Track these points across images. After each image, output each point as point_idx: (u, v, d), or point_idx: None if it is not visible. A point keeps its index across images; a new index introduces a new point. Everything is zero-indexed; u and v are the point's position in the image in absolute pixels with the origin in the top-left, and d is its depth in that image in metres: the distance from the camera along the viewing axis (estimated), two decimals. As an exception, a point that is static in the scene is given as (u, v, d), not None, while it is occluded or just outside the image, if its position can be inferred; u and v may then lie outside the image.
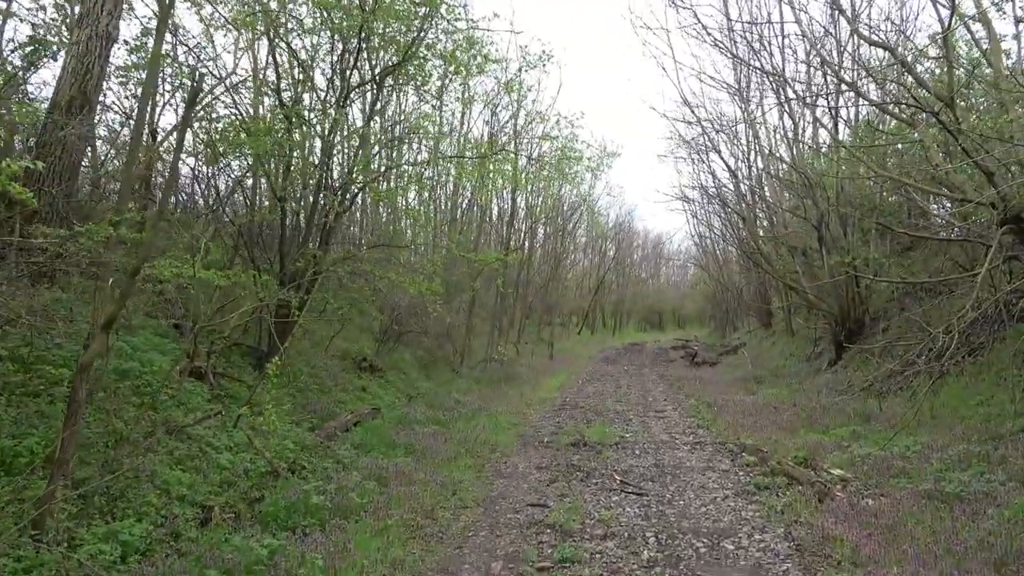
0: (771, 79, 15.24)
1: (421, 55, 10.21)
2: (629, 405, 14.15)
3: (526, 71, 12.56)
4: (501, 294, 21.57)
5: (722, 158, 18.30)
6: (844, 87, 11.71)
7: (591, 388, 17.46)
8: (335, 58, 10.14)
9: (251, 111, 10.29)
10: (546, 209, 30.17)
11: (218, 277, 8.59)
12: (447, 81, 11.03)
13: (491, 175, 11.10)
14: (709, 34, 14.34)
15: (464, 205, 22.58)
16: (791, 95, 14.35)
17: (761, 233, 18.44)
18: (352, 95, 10.60)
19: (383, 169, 10.22)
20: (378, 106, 11.18)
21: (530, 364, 22.95)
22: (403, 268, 12.86)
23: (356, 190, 9.98)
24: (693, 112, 17.14)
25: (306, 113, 10.22)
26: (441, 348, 17.35)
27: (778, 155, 17.02)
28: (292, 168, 10.08)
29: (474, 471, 8.30)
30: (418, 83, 10.70)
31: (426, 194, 19.41)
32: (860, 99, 12.22)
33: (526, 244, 29.57)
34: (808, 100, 14.64)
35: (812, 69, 15.56)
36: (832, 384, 14.28)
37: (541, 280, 32.58)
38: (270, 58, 9.56)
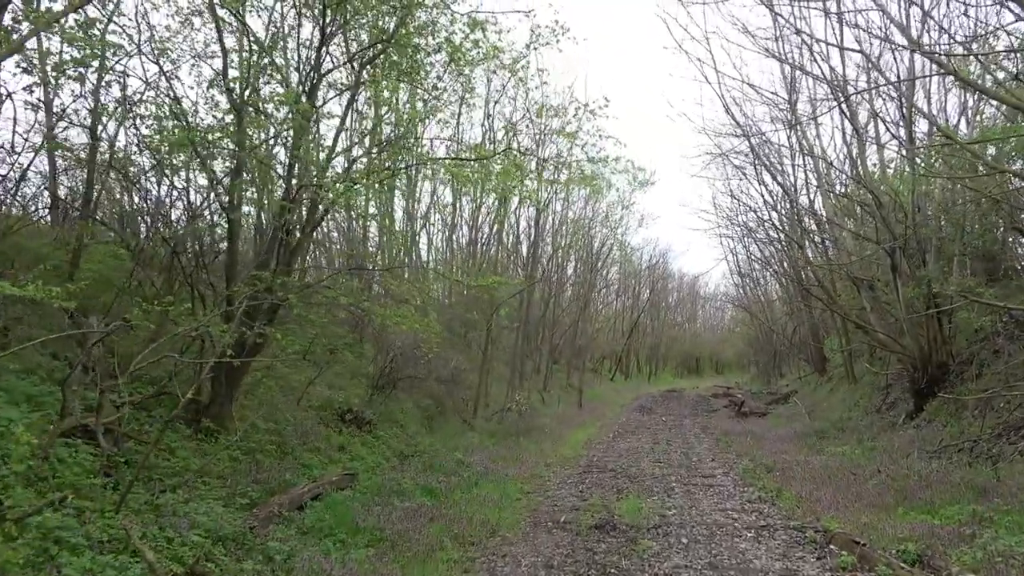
0: (828, 85, 13.03)
1: (411, 39, 8.27)
2: (670, 467, 11.69)
3: (535, 48, 10.48)
4: (523, 334, 19.34)
5: (771, 173, 16.05)
6: (936, 71, 9.43)
7: (624, 444, 14.99)
8: (303, 39, 8.24)
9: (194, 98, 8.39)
10: (575, 244, 28.04)
11: (141, 313, 6.62)
12: (446, 71, 9.01)
13: (494, 182, 9.07)
14: (753, 36, 12.32)
15: (465, 225, 20.49)
16: (853, 94, 12.09)
17: (817, 262, 16.00)
18: (325, 87, 8.67)
19: (363, 173, 8.17)
20: (359, 100, 9.23)
21: (556, 413, 20.55)
22: (390, 300, 10.77)
23: (329, 200, 7.96)
24: (736, 122, 14.96)
25: (267, 106, 8.30)
26: (451, 396, 15.12)
27: (841, 169, 14.67)
28: (248, 170, 8.10)
29: (458, 572, 6.01)
30: (409, 74, 8.72)
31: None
32: (960, 87, 9.97)
33: (554, 278, 27.45)
34: (875, 102, 12.38)
35: (872, 74, 13.36)
36: (918, 443, 11.65)
37: (570, 320, 30.29)
38: (217, 33, 7.66)
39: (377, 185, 10.45)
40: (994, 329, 13.96)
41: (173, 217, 8.97)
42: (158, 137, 7.79)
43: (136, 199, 9.09)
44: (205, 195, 8.59)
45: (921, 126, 13.82)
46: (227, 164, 8.24)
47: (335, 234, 16.57)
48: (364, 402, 11.96)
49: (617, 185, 25.49)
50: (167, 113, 7.99)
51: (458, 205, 22.24)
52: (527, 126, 15.71)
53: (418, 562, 6.00)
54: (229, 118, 7.97)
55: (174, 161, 8.47)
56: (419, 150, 9.79)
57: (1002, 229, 13.65)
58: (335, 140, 8.50)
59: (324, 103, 9.14)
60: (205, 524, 5.71)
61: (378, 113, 8.31)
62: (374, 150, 8.90)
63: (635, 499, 8.67)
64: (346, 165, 8.49)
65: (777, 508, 8.37)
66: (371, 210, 14.82)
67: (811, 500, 8.56)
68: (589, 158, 12.95)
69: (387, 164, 8.46)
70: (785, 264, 22.57)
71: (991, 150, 11.81)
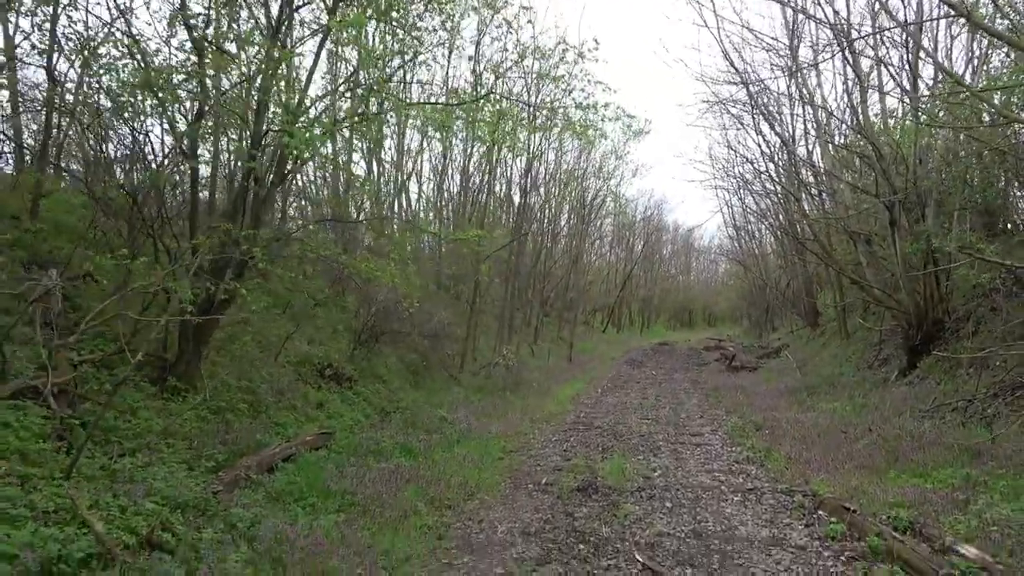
0: (832, 29, 12.40)
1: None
2: (657, 424, 11.49)
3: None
4: (513, 286, 18.98)
5: (769, 122, 15.47)
6: (949, 13, 8.89)
7: (612, 399, 14.80)
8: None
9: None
10: (568, 195, 27.49)
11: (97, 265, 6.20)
12: (426, 9, 8.41)
13: (481, 129, 8.56)
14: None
15: (457, 174, 19.91)
16: (858, 38, 11.49)
17: (813, 216, 15.55)
18: (298, 24, 8.09)
19: (337, 118, 7.67)
20: (334, 43, 8.63)
21: (545, 367, 20.35)
22: (370, 253, 10.37)
23: (300, 147, 7.46)
24: (734, 68, 14.31)
25: (231, 45, 7.74)
26: (437, 350, 14.83)
27: (842, 118, 14.11)
28: (211, 115, 7.59)
29: (432, 539, 5.76)
30: (386, 11, 8.13)
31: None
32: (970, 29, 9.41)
33: (547, 229, 26.99)
34: (879, 49, 11.80)
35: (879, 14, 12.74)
36: (911, 400, 11.45)
37: (562, 272, 29.94)
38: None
39: (358, 132, 9.93)
40: (992, 286, 13.65)
41: (138, 164, 8.46)
42: (116, 79, 7.24)
43: (97, 145, 8.55)
44: (172, 142, 8.07)
45: (926, 74, 13.28)
46: (192, 108, 7.71)
47: (318, 184, 16.04)
48: (345, 357, 11.65)
49: (611, 135, 24.81)
50: (125, 53, 7.42)
51: (449, 154, 21.65)
52: (515, 72, 15.07)
53: (390, 528, 5.74)
54: (195, 59, 7.45)
55: (137, 105, 7.93)
56: (402, 95, 9.26)
57: (1003, 183, 13.22)
58: (308, 83, 7.95)
59: (296, 43, 8.58)
60: (163, 490, 5.41)
61: (360, 55, 7.71)
62: (348, 94, 8.37)
63: (620, 459, 8.44)
64: (319, 110, 7.97)
65: (765, 469, 8.16)
66: (355, 157, 14.28)
67: (800, 461, 8.34)
68: (578, 104, 12.32)
69: (360, 110, 7.94)
70: (781, 217, 22.13)
71: (997, 99, 11.32)
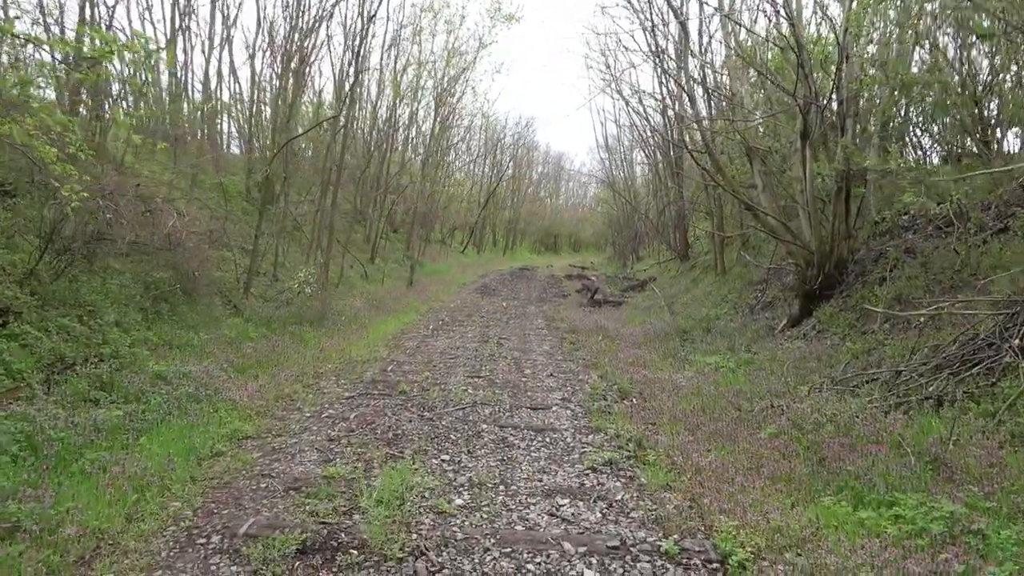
0: None
1: None
2: (489, 387, 8.27)
3: None
4: (334, 188, 14.89)
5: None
6: None
7: (441, 342, 11.47)
8: None
9: None
10: (421, 87, 23.34)
11: None
12: None
13: None
14: None
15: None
16: None
17: (710, 125, 12.60)
18: None
19: None
20: None
21: (374, 293, 16.72)
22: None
23: None
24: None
25: None
26: (206, 268, 10.77)
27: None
28: None
29: None
30: None
31: None
32: None
33: (398, 132, 22.88)
34: None
35: None
36: (811, 361, 8.93)
37: (410, 182, 26.02)
38: None
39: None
40: (904, 223, 11.43)
41: None
42: None
43: None
44: None
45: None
46: None
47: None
48: (20, 278, 7.46)
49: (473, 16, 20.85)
50: None
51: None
52: None
53: None
54: None
55: None
56: None
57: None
58: None
59: None
60: None
61: None
62: None
63: (405, 467, 5.10)
64: None
65: (637, 488, 5.11)
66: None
67: (688, 468, 5.38)
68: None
69: None
70: (667, 125, 19.16)
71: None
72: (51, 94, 12.26)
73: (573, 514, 4.52)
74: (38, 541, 3.61)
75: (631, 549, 4.02)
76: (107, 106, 12.34)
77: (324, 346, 10.04)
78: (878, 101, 10.30)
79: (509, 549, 3.93)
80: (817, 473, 5.35)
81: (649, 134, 21.86)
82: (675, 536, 4.20)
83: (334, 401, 7.23)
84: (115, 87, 13.37)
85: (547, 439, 6.21)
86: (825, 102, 9.81)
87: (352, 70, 14.94)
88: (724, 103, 12.90)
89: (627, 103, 20.53)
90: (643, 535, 4.22)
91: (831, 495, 4.96)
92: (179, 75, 16.46)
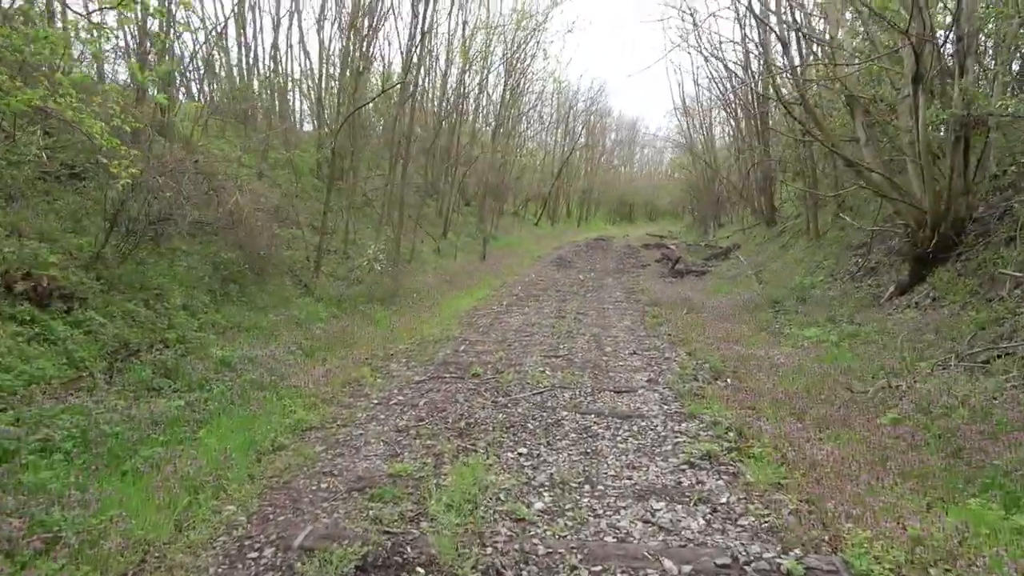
0: None
1: None
2: (567, 368, 7.68)
3: None
4: (402, 160, 14.50)
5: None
6: None
7: (515, 319, 10.94)
8: None
9: None
10: (490, 53, 22.65)
11: None
12: None
13: None
14: None
15: None
16: None
17: (809, 73, 11.38)
18: None
19: None
20: None
21: (448, 268, 16.35)
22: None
23: None
24: None
25: None
26: (275, 248, 10.55)
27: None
28: None
29: None
30: None
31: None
32: None
33: (468, 102, 22.35)
34: None
35: None
36: (928, 334, 7.94)
37: (481, 153, 25.45)
38: None
39: None
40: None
41: None
42: None
43: None
44: None
45: None
46: None
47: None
48: (85, 261, 7.32)
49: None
50: None
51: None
52: None
53: None
54: None
55: None
56: None
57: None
58: None
59: None
60: None
61: None
62: None
63: (478, 462, 4.60)
64: None
65: (743, 488, 4.43)
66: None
67: (800, 462, 4.66)
68: None
69: None
70: (752, 78, 17.84)
71: None
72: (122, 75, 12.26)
73: (671, 521, 3.91)
74: (77, 557, 3.27)
75: (745, 568, 3.38)
76: (178, 81, 12.24)
77: (395, 325, 9.68)
78: (1004, 37, 9.01)
79: (599, 568, 3.36)
80: (954, 468, 4.56)
81: (732, 88, 20.52)
82: (796, 551, 3.53)
83: (403, 386, 6.81)
84: (185, 60, 13.27)
85: (635, 427, 5.59)
86: (942, 40, 8.62)
87: (419, 31, 14.41)
88: (820, 50, 11.69)
89: (707, 59, 19.17)
90: (757, 549, 3.57)
91: (976, 495, 4.18)
92: (247, 49, 16.39)
